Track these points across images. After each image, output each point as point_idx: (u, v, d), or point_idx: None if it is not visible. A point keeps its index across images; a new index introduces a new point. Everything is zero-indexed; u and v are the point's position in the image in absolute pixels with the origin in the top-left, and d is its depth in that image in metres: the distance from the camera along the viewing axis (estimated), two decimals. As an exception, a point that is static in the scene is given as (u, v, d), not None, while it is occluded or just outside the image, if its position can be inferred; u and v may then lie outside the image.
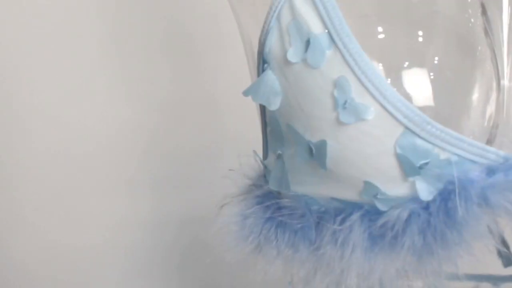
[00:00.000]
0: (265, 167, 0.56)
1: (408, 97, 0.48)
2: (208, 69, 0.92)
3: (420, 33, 0.50)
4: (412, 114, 0.46)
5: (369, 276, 0.50)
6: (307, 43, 0.48)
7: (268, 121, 0.53)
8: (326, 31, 0.48)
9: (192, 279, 0.94)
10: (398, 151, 0.46)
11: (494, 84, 0.51)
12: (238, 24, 0.56)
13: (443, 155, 0.47)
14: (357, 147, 0.47)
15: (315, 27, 0.48)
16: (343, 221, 0.49)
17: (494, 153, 0.47)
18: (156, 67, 0.92)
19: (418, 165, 0.47)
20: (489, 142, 0.51)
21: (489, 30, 0.51)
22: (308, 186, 0.51)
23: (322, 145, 0.48)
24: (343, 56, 0.47)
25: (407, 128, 0.46)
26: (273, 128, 0.53)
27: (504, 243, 0.56)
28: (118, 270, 0.95)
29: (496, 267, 0.60)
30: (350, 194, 0.49)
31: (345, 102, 0.47)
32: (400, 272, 0.51)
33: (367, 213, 0.49)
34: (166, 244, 0.95)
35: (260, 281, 0.54)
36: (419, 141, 0.46)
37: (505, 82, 0.51)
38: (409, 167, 0.47)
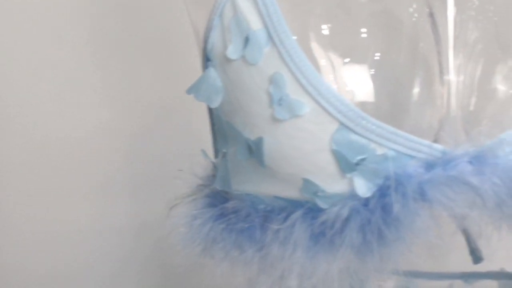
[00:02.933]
0: (215, 166, 0.55)
1: (349, 93, 0.48)
2: (189, 72, 0.92)
3: (363, 30, 0.49)
4: (346, 109, 0.46)
5: (312, 275, 0.49)
6: (246, 39, 0.48)
7: (214, 119, 0.53)
8: (264, 27, 0.47)
9: (171, 283, 0.94)
10: (334, 147, 0.46)
11: (439, 79, 0.50)
12: (192, 23, 0.56)
13: (379, 151, 0.46)
14: (294, 143, 0.47)
15: (254, 23, 0.48)
16: (284, 220, 0.49)
17: (433, 148, 0.46)
18: (136, 70, 0.92)
19: (354, 161, 0.46)
20: (436, 137, 0.51)
21: (434, 25, 0.50)
22: (252, 184, 0.50)
23: (260, 142, 0.48)
24: (279, 53, 0.47)
25: (342, 123, 0.46)
26: (218, 127, 0.53)
27: (471, 240, 0.55)
28: (94, 274, 0.95)
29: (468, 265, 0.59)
30: (291, 192, 0.48)
31: (280, 99, 0.47)
32: (343, 271, 0.50)
33: (309, 211, 0.48)
34: (144, 248, 0.94)
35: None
36: (354, 137, 0.46)
37: (450, 77, 0.50)
38: (345, 163, 0.46)
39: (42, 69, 0.90)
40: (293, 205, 0.49)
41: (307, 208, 0.48)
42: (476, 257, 0.60)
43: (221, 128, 0.52)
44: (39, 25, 0.90)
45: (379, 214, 0.46)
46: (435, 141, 0.48)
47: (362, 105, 0.48)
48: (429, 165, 0.46)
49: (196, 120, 0.91)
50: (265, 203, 0.50)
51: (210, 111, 0.53)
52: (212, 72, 0.50)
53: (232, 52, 0.48)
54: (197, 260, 0.55)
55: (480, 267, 0.63)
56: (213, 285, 0.55)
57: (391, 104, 0.49)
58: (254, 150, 0.49)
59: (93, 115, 0.92)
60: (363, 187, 0.47)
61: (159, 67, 0.94)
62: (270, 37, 0.47)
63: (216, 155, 0.55)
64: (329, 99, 0.46)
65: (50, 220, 0.91)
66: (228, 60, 0.49)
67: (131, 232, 0.94)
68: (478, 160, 0.46)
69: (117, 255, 0.95)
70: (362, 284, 0.60)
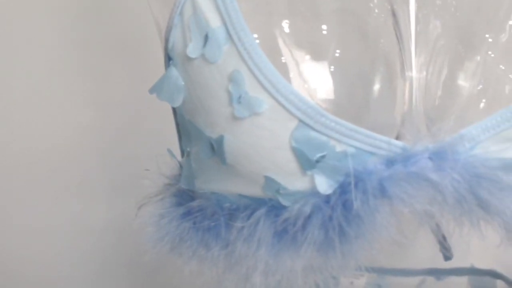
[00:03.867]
0: (181, 165, 0.55)
1: (310, 90, 0.48)
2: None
3: (324, 27, 0.49)
4: (305, 107, 0.46)
5: (276, 272, 0.49)
6: (206, 38, 0.48)
7: (178, 118, 0.53)
8: (223, 25, 0.47)
9: (153, 283, 0.94)
10: (294, 144, 0.46)
11: (400, 76, 0.50)
12: (155, 22, 0.56)
13: (339, 147, 0.46)
14: (254, 141, 0.47)
15: (213, 21, 0.48)
16: (248, 218, 0.49)
17: (392, 144, 0.46)
18: (114, 72, 0.92)
19: (314, 158, 0.46)
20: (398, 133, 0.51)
21: (395, 21, 0.50)
22: (217, 183, 0.51)
23: (221, 140, 0.48)
24: (238, 50, 0.47)
25: (301, 120, 0.46)
26: (182, 126, 0.53)
27: (443, 237, 0.55)
28: (71, 275, 0.95)
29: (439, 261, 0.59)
30: (254, 190, 0.48)
31: (239, 96, 0.47)
32: (308, 268, 0.50)
33: (272, 209, 0.48)
34: (124, 249, 0.94)
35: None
36: (313, 134, 0.46)
37: (412, 73, 0.50)
38: (305, 161, 0.46)
39: (21, 72, 0.90)
40: (256, 203, 0.49)
41: (270, 205, 0.48)
42: (447, 254, 0.60)
43: (184, 127, 0.52)
44: (18, 27, 0.90)
45: (340, 211, 0.46)
46: (398, 137, 0.48)
47: (323, 102, 0.48)
48: (390, 162, 0.46)
49: (173, 122, 0.91)
50: (230, 202, 0.50)
51: (174, 110, 0.53)
52: (173, 71, 0.50)
53: (192, 50, 0.48)
54: (166, 259, 0.55)
55: (451, 264, 0.63)
56: (194, 284, 0.55)
57: (352, 101, 0.49)
58: (216, 148, 0.49)
59: (72, 117, 0.92)
60: (324, 184, 0.47)
61: (137, 68, 0.94)
62: (229, 34, 0.48)
63: (182, 155, 0.55)
64: (288, 96, 0.46)
65: (29, 221, 0.91)
66: (188, 59, 0.49)
67: (111, 232, 0.94)
68: (438, 156, 0.46)
69: (97, 256, 0.95)
70: (335, 281, 0.60)
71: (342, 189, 0.46)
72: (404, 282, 0.65)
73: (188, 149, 0.53)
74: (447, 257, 0.59)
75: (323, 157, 0.46)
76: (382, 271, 0.64)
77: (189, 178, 0.53)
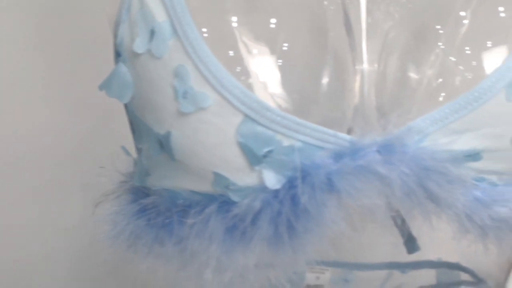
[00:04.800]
0: (135, 162, 0.55)
1: (257, 85, 0.47)
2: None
3: (273, 20, 0.49)
4: (250, 101, 0.45)
5: (228, 268, 0.49)
6: (152, 32, 0.48)
7: (129, 115, 0.52)
8: (169, 19, 0.47)
9: (129, 284, 0.93)
10: (240, 139, 0.46)
11: (351, 69, 0.50)
12: (107, 18, 0.56)
13: (286, 142, 0.46)
14: (200, 137, 0.47)
15: (159, 15, 0.48)
16: (199, 214, 0.48)
17: (340, 138, 0.46)
18: (79, 69, 0.91)
19: (261, 153, 0.46)
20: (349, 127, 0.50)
21: (345, 14, 0.50)
22: (169, 180, 0.50)
23: (168, 137, 0.48)
24: (183, 45, 0.47)
25: (246, 115, 0.46)
26: (133, 123, 0.52)
27: (406, 230, 0.55)
28: (47, 276, 0.94)
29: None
30: (204, 186, 0.48)
31: (185, 92, 0.46)
32: (260, 264, 0.50)
33: (223, 205, 0.48)
34: (97, 247, 0.94)
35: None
36: (259, 129, 0.46)
37: (363, 66, 0.50)
38: (252, 156, 0.46)
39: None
40: (208, 199, 0.49)
41: (221, 201, 0.48)
42: (411, 247, 0.59)
43: (135, 124, 0.52)
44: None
45: (288, 206, 0.46)
46: (349, 131, 0.48)
47: (271, 96, 0.47)
48: (338, 156, 0.46)
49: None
50: (183, 198, 0.50)
51: (126, 107, 0.52)
52: (122, 67, 0.49)
53: (139, 45, 0.48)
54: (124, 257, 0.55)
55: (418, 257, 0.62)
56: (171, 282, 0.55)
57: (300, 95, 0.48)
58: (164, 145, 0.48)
59: (43, 117, 0.91)
60: (272, 179, 0.46)
61: (108, 68, 0.93)
62: (174, 29, 0.47)
63: (136, 152, 0.55)
64: (232, 91, 0.46)
65: (0, 221, 0.90)
66: (135, 54, 0.48)
67: (82, 231, 0.93)
68: (386, 149, 0.46)
69: (71, 255, 0.94)
70: (301, 276, 0.60)
71: (290, 184, 0.46)
72: (371, 276, 0.64)
73: (140, 146, 0.52)
74: (411, 251, 0.58)
75: (270, 152, 0.46)
76: (349, 266, 0.64)
77: (141, 175, 0.52)
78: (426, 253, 0.62)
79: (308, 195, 0.45)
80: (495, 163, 0.47)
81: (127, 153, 0.55)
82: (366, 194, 0.45)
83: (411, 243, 0.59)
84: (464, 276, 0.64)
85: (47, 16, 0.90)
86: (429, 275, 0.65)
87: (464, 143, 0.46)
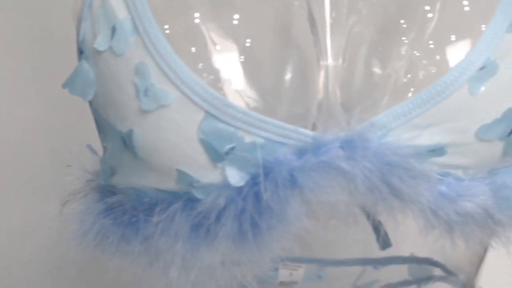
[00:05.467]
0: (101, 161, 0.55)
1: (219, 81, 0.47)
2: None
3: (236, 16, 0.48)
4: (211, 98, 0.45)
5: (193, 266, 0.49)
6: (113, 29, 0.47)
7: (94, 113, 0.52)
8: (130, 16, 0.46)
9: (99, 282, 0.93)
10: (201, 136, 0.45)
11: (315, 64, 0.49)
12: (72, 16, 0.55)
13: (248, 138, 0.45)
14: (162, 134, 0.46)
15: (120, 12, 0.47)
16: (163, 212, 0.48)
17: (302, 134, 0.46)
18: (55, 68, 0.91)
19: (223, 150, 0.45)
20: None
21: (309, 9, 0.50)
22: (134, 178, 0.50)
23: (130, 134, 0.47)
24: (143, 42, 0.46)
25: (207, 112, 0.45)
26: (97, 121, 0.52)
27: (378, 226, 0.55)
28: (23, 275, 0.94)
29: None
30: (169, 184, 0.48)
31: (146, 89, 0.46)
32: (227, 262, 0.50)
33: (188, 202, 0.48)
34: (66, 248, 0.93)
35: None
36: (221, 125, 0.45)
37: (327, 62, 0.49)
38: (214, 153, 0.46)
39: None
40: (173, 196, 0.48)
41: (186, 199, 0.48)
42: (384, 243, 0.59)
43: (98, 122, 0.51)
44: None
45: (252, 203, 0.46)
46: (314, 127, 0.48)
47: (234, 92, 0.47)
48: (301, 152, 0.46)
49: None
50: (149, 196, 0.50)
51: (90, 105, 0.52)
52: (84, 65, 0.49)
53: (100, 43, 0.48)
54: (92, 256, 0.54)
55: (391, 253, 0.62)
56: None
57: (264, 91, 0.48)
58: (127, 143, 0.48)
59: (20, 114, 0.91)
60: (235, 176, 0.46)
61: (72, 64, 0.93)
62: (135, 26, 0.47)
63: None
64: (193, 87, 0.45)
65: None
66: (97, 52, 0.48)
67: (51, 231, 0.93)
68: (349, 144, 0.45)
69: (50, 254, 0.94)
70: (274, 273, 0.60)
71: (254, 181, 0.46)
72: (344, 273, 0.64)
73: (105, 144, 0.52)
74: (383, 247, 0.58)
75: (232, 148, 0.45)
76: (322, 262, 0.63)
77: (106, 173, 0.52)
78: (399, 248, 0.62)
79: (270, 192, 0.45)
80: (460, 157, 0.47)
81: (93, 151, 0.55)
82: (329, 190, 0.45)
83: (383, 239, 0.59)
84: (437, 271, 0.64)
85: (29, 12, 0.89)
86: (402, 271, 0.64)
87: (427, 138, 0.46)
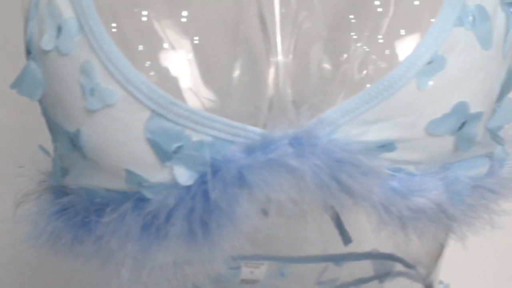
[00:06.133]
0: (53, 162, 0.54)
1: (167, 79, 0.46)
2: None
3: (184, 13, 0.48)
4: (156, 96, 0.45)
5: (145, 266, 0.48)
6: (59, 29, 0.47)
7: (44, 113, 0.52)
8: (75, 15, 0.46)
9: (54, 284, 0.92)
10: (148, 135, 0.45)
11: (265, 61, 0.49)
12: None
13: (196, 137, 0.45)
14: (109, 134, 0.46)
15: (66, 11, 0.47)
16: (114, 212, 0.47)
17: (250, 131, 0.45)
18: (9, 66, 0.90)
19: (171, 149, 0.45)
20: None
21: (259, 5, 0.49)
22: (84, 178, 0.49)
23: (77, 134, 0.47)
24: (89, 41, 0.46)
25: (153, 111, 0.45)
26: (47, 121, 0.51)
27: (339, 222, 0.54)
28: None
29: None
30: (119, 184, 0.47)
31: (91, 88, 0.46)
32: (179, 262, 0.49)
33: (139, 202, 0.47)
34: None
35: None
36: (167, 124, 0.45)
37: (278, 58, 0.49)
38: (161, 152, 0.45)
39: None
40: (123, 196, 0.48)
41: (136, 199, 0.47)
42: (346, 238, 0.59)
43: (48, 122, 0.51)
44: None
45: (201, 202, 0.45)
46: (265, 124, 0.47)
47: (182, 91, 0.46)
48: (250, 150, 0.45)
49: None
50: (100, 196, 0.49)
51: (40, 105, 0.51)
52: (32, 65, 0.49)
53: (46, 42, 0.48)
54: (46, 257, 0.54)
55: (355, 249, 0.62)
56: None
57: (212, 89, 0.47)
58: (75, 143, 0.47)
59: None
60: (184, 175, 0.46)
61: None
62: (80, 25, 0.47)
63: (57, 151, 0.54)
64: (139, 86, 0.45)
65: None
66: (44, 52, 0.48)
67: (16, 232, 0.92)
68: (298, 141, 0.45)
69: (3, 256, 0.93)
70: (236, 272, 0.60)
71: (202, 180, 0.45)
72: (307, 269, 0.64)
73: (55, 144, 0.52)
74: (347, 242, 0.58)
75: (180, 147, 0.45)
76: (284, 259, 0.63)
77: (57, 174, 0.52)
78: (363, 244, 0.62)
79: (219, 191, 0.45)
80: (411, 153, 0.46)
81: (45, 152, 0.54)
82: (277, 188, 0.45)
83: (344, 235, 0.58)
84: (398, 266, 0.64)
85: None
86: (365, 267, 0.64)
87: (376, 134, 0.45)
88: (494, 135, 0.49)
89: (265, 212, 0.46)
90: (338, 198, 0.46)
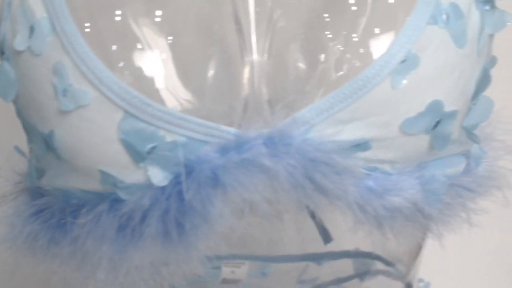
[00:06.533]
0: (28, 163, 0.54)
1: (141, 80, 0.46)
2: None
3: (159, 13, 0.48)
4: (129, 97, 0.44)
5: (121, 268, 0.48)
6: (31, 29, 0.47)
7: (18, 115, 0.51)
8: (48, 15, 0.46)
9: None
10: (122, 136, 0.45)
11: (240, 61, 0.49)
12: None
13: (169, 137, 0.45)
14: (83, 135, 0.46)
15: (38, 11, 0.47)
16: (89, 213, 0.47)
17: (224, 131, 0.45)
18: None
19: (145, 149, 0.45)
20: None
21: (233, 4, 0.49)
22: (60, 179, 0.49)
23: (51, 135, 0.47)
24: (61, 41, 0.46)
25: (126, 111, 0.45)
26: (22, 122, 0.51)
27: (319, 221, 0.54)
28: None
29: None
30: (94, 185, 0.47)
31: (64, 89, 0.46)
32: (156, 263, 0.49)
33: (114, 203, 0.47)
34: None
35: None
36: (141, 125, 0.45)
37: (253, 57, 0.48)
38: (135, 153, 0.45)
39: None
40: (99, 197, 0.48)
41: (112, 200, 0.47)
42: (326, 237, 0.58)
43: (23, 123, 0.51)
44: None
45: (175, 202, 0.45)
46: (240, 124, 0.47)
47: (156, 91, 0.46)
48: (224, 150, 0.45)
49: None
50: (76, 197, 0.49)
51: (14, 106, 0.51)
52: (5, 65, 0.49)
53: (19, 43, 0.47)
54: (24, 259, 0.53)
55: (336, 248, 0.62)
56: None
57: (187, 89, 0.47)
58: (49, 144, 0.47)
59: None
60: (158, 176, 0.45)
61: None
62: (53, 25, 0.46)
63: (33, 152, 0.54)
64: (111, 87, 0.45)
65: None
66: (17, 52, 0.48)
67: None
68: (272, 141, 0.45)
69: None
70: (217, 272, 0.59)
71: (177, 180, 0.45)
72: (288, 269, 0.64)
73: (30, 145, 0.51)
74: (327, 241, 0.58)
75: (153, 148, 0.45)
76: (264, 259, 0.63)
77: (33, 175, 0.51)
78: (343, 243, 0.62)
79: (193, 191, 0.44)
80: (386, 152, 0.46)
81: (21, 153, 0.54)
82: (251, 188, 0.44)
83: (324, 234, 0.58)
84: (379, 265, 0.64)
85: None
86: (346, 266, 0.64)
87: (351, 133, 0.45)
88: (469, 133, 0.49)
89: (244, 212, 0.46)
90: (313, 198, 0.45)
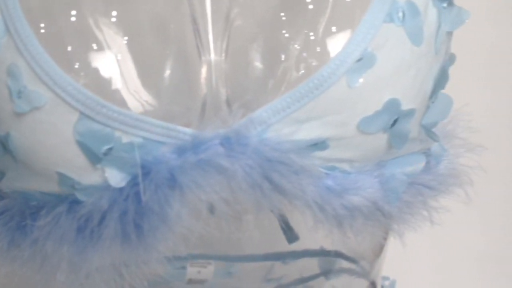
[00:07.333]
0: None
1: (98, 81, 0.46)
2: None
3: (114, 13, 0.47)
4: (84, 98, 0.44)
5: (81, 270, 0.48)
6: None
7: None
8: (2, 17, 0.46)
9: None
10: (77, 138, 0.45)
11: (197, 60, 0.48)
12: None
13: (126, 138, 0.45)
14: (39, 137, 0.45)
15: None
16: (48, 215, 0.47)
17: (181, 132, 0.45)
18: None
19: (101, 151, 0.45)
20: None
21: (190, 4, 0.49)
22: (18, 181, 0.49)
23: (7, 137, 0.47)
24: (15, 43, 0.45)
25: (81, 113, 0.45)
26: None
27: (283, 220, 0.54)
28: None
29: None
30: (52, 187, 0.47)
31: (19, 91, 0.45)
32: (117, 264, 0.49)
33: (73, 205, 0.47)
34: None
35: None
36: (96, 126, 0.44)
37: (210, 57, 0.48)
38: (91, 154, 0.45)
39: None
40: (57, 199, 0.48)
41: (71, 201, 0.47)
42: (290, 236, 0.58)
43: None
44: None
45: (133, 204, 0.45)
46: (198, 124, 0.47)
47: (113, 92, 0.46)
48: (181, 150, 0.45)
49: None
50: (36, 199, 0.49)
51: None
52: None
53: None
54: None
55: (300, 246, 0.62)
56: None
57: (143, 89, 0.47)
58: (5, 146, 0.47)
59: None
60: (115, 177, 0.45)
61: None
62: (6, 27, 0.46)
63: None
64: (66, 88, 0.45)
65: None
66: None
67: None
68: (229, 141, 0.45)
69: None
70: (182, 272, 0.59)
71: (134, 181, 0.45)
72: (254, 268, 0.64)
73: None
74: (291, 240, 0.58)
75: (110, 149, 0.45)
76: (230, 259, 0.63)
77: None
78: (308, 242, 0.62)
79: (150, 192, 0.44)
80: (344, 151, 0.46)
81: None
82: (209, 188, 0.44)
83: (289, 233, 0.58)
84: (344, 263, 0.64)
85: None
86: (311, 264, 0.64)
87: (308, 132, 0.45)
88: (428, 131, 0.49)
89: (211, 211, 0.46)
90: (271, 198, 0.45)
